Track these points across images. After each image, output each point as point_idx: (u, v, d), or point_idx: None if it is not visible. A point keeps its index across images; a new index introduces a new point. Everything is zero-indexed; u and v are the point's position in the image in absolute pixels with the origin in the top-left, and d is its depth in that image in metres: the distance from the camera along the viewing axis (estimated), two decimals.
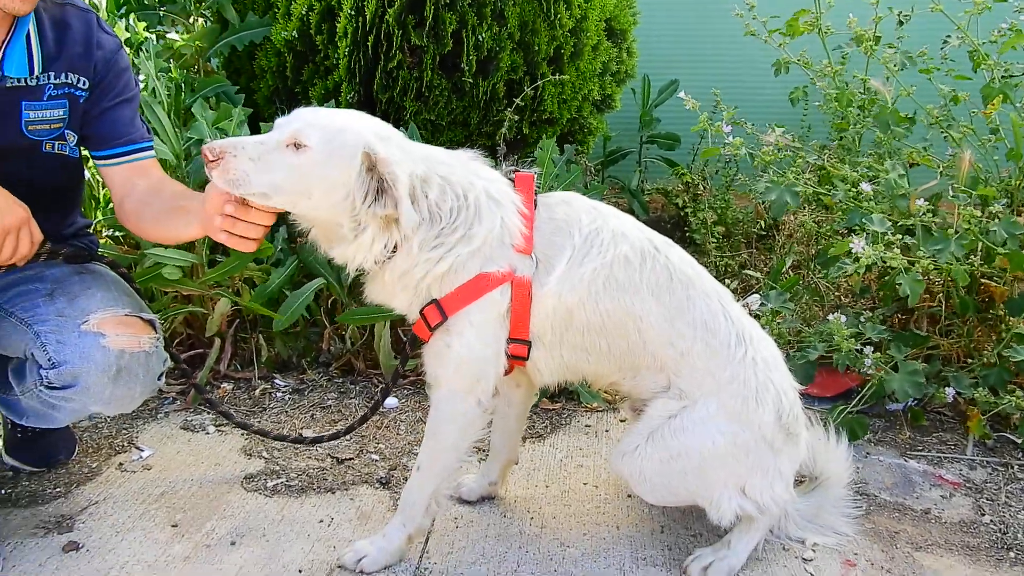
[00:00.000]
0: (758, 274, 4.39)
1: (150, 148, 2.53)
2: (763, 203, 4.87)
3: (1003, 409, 2.81)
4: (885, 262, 2.71)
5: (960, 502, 2.66)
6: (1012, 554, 2.40)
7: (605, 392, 3.29)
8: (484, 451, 2.83)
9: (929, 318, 3.26)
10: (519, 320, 2.20)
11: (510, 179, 2.30)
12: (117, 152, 2.47)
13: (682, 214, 5.30)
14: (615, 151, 5.83)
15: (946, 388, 2.90)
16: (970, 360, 3.09)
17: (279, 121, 2.09)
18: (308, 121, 2.05)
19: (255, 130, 3.63)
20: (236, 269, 3.31)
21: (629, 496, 2.67)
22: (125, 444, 2.99)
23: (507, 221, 2.18)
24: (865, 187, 2.90)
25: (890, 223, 2.81)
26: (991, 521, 2.55)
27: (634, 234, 2.29)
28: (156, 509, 2.60)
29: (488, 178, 2.25)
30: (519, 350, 2.25)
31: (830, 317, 2.88)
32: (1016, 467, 2.83)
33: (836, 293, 3.92)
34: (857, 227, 2.99)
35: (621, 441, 2.34)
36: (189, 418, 3.19)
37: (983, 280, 3.03)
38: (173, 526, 2.51)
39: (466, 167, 2.23)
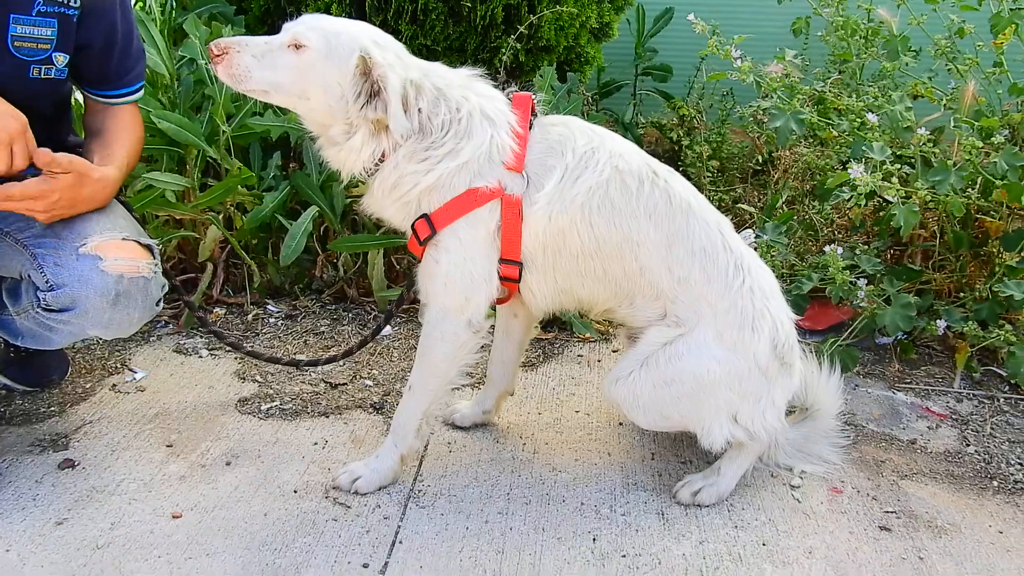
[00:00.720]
0: (752, 209, 4.38)
1: (139, 90, 2.51)
2: (760, 136, 4.85)
3: (991, 343, 2.83)
4: (881, 193, 2.70)
5: (946, 433, 2.70)
6: (995, 483, 2.45)
7: (598, 323, 3.30)
8: (479, 378, 2.86)
9: (923, 253, 3.26)
10: (510, 239, 2.20)
11: (508, 99, 2.27)
12: (108, 94, 2.45)
13: (676, 148, 5.26)
14: (609, 83, 5.74)
15: (937, 321, 2.92)
16: (962, 295, 3.11)
17: (286, 25, 2.14)
18: (310, 24, 2.10)
19: None
20: (227, 194, 3.27)
21: (620, 424, 2.70)
22: (118, 366, 2.99)
23: (498, 138, 2.17)
24: (871, 117, 2.87)
25: (890, 151, 2.78)
26: (975, 451, 2.59)
27: (633, 158, 2.26)
28: (150, 430, 2.61)
29: (485, 95, 2.23)
30: (510, 271, 2.24)
31: (826, 249, 2.87)
32: (1002, 399, 2.87)
33: (830, 228, 3.92)
34: (856, 159, 2.96)
35: (615, 367, 2.35)
36: (182, 341, 3.19)
37: (978, 215, 3.02)
38: (168, 446, 2.53)
39: (464, 83, 2.22)
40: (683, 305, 2.25)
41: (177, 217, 3.37)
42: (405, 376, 2.97)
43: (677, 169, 5.24)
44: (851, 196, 2.72)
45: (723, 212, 4.48)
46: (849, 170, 2.69)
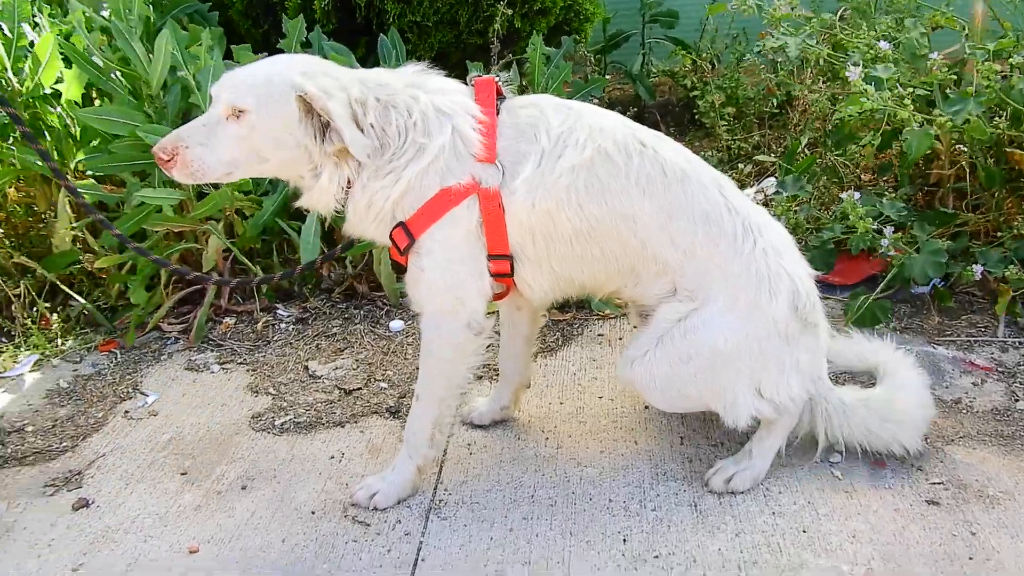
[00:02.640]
0: (772, 157, 4.18)
1: None
2: (773, 80, 4.62)
3: None
4: (896, 115, 2.50)
5: (992, 388, 2.54)
6: None
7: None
8: (496, 369, 2.75)
9: (955, 193, 3.06)
10: (494, 234, 2.08)
11: (470, 85, 2.14)
12: None
13: (692, 95, 5.06)
14: (615, 35, 5.53)
15: (973, 266, 2.73)
16: (1000, 234, 2.91)
17: (212, 91, 2.04)
18: (236, 84, 2.00)
19: (229, 53, 3.42)
20: (224, 202, 3.18)
21: (646, 408, 2.58)
22: (130, 390, 2.93)
23: (461, 131, 2.04)
24: (883, 45, 2.67)
25: (895, 69, 2.58)
26: None
27: (617, 130, 2.12)
28: (164, 457, 2.55)
29: (435, 89, 2.11)
30: (501, 267, 2.12)
31: (843, 195, 2.68)
32: None
33: (855, 171, 3.72)
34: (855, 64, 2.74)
35: (629, 347, 2.22)
36: (193, 357, 3.12)
37: (1008, 149, 2.81)
38: (182, 474, 2.46)
39: (408, 83, 2.10)
40: (692, 277, 2.12)
41: (176, 230, 3.29)
42: None
43: (693, 117, 5.04)
44: (868, 139, 2.53)
45: (743, 160, 4.30)
46: (847, 72, 2.50)
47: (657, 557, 2.02)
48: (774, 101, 4.63)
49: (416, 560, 2.07)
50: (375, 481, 2.29)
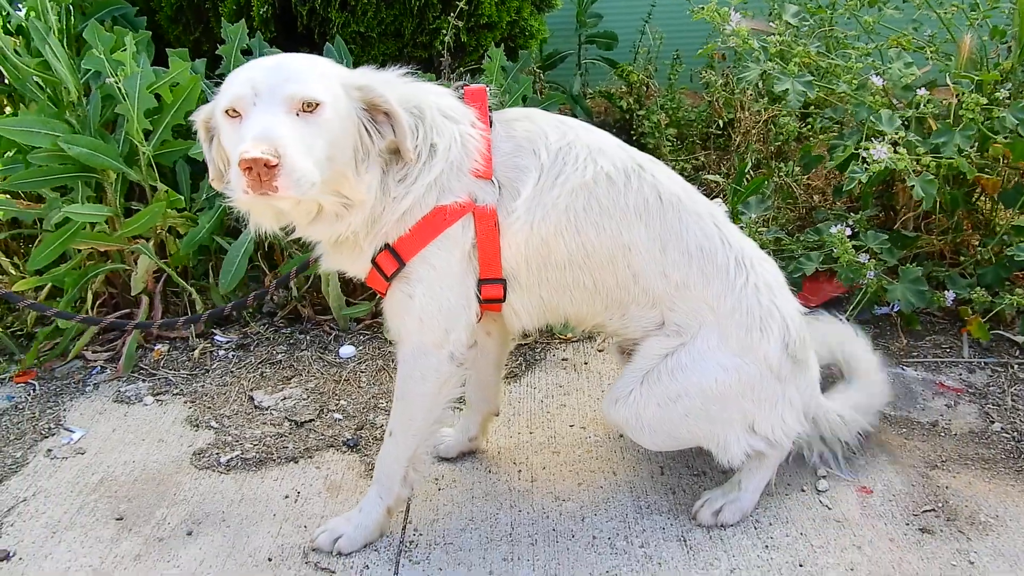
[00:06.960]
0: (718, 177, 4.16)
1: None
2: (719, 99, 4.62)
3: (1000, 309, 2.66)
4: (895, 165, 2.46)
5: (966, 410, 2.52)
6: None
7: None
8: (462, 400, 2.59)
9: (912, 215, 3.06)
10: (488, 257, 1.93)
11: (459, 95, 2.00)
12: None
13: (627, 117, 5.02)
14: (552, 55, 5.46)
15: (945, 292, 2.73)
16: (961, 257, 2.92)
17: (245, 87, 1.68)
18: (298, 75, 1.70)
19: (159, 59, 3.18)
20: (155, 219, 2.94)
21: (621, 436, 2.47)
22: (52, 426, 2.65)
23: (465, 140, 1.90)
24: (876, 80, 2.64)
25: (899, 121, 2.55)
26: (1002, 429, 2.41)
27: (614, 150, 2.01)
28: (96, 500, 2.30)
29: (437, 92, 1.97)
30: (494, 291, 1.98)
31: (833, 230, 2.64)
32: (1016, 367, 2.69)
33: (806, 192, 3.72)
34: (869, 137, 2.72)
35: (613, 386, 2.10)
36: (122, 388, 2.85)
37: (978, 174, 2.82)
38: (118, 519, 2.22)
39: (407, 84, 1.94)
40: (682, 312, 2.02)
41: (102, 249, 3.03)
42: (378, 404, 2.69)
43: (631, 139, 5.01)
44: (862, 171, 2.49)
45: (689, 181, 4.29)
46: (872, 150, 2.45)
47: None
48: (720, 122, 4.63)
49: None
50: (339, 523, 2.10)
